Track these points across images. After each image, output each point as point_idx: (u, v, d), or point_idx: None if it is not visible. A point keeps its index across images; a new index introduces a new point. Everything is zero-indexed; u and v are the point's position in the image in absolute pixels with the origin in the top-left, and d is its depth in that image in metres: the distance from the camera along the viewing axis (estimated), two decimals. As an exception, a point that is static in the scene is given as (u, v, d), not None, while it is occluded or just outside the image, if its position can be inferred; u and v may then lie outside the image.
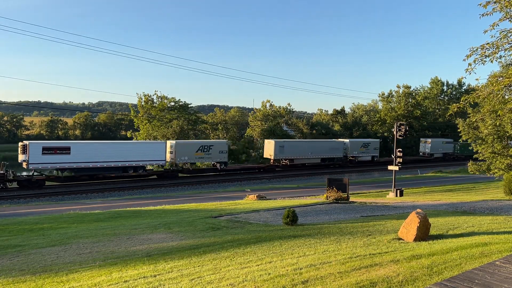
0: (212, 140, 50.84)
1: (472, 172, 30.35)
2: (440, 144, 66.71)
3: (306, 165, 51.81)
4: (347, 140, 56.20)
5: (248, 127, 66.81)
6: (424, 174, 48.85)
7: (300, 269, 6.58)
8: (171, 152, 41.43)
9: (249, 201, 23.62)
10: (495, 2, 9.77)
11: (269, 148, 48.83)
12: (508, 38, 9.64)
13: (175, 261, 8.10)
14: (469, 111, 28.63)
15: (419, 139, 69.92)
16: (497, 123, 25.27)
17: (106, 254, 9.50)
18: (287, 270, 6.56)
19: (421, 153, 66.86)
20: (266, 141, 50.79)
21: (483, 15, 10.01)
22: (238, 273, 6.68)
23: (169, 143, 42.35)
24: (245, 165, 53.37)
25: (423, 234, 9.21)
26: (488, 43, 9.70)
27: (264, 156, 50.52)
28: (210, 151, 43.32)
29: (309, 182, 41.88)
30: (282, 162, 49.91)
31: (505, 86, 9.97)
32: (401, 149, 29.57)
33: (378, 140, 61.44)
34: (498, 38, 9.66)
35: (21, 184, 33.73)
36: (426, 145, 65.85)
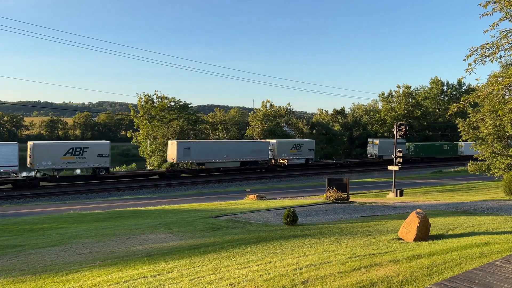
0: (88, 141, 41.20)
1: (472, 172, 30.40)
2: (390, 145, 57.75)
3: (221, 170, 45.59)
4: (274, 141, 49.87)
5: (248, 127, 66.80)
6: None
7: (300, 269, 6.58)
8: (30, 156, 34.50)
9: (249, 201, 23.62)
10: (495, 2, 9.77)
11: (171, 151, 42.03)
12: (508, 38, 9.64)
13: (175, 261, 8.09)
14: (469, 111, 28.72)
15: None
16: (497, 123, 25.32)
17: (106, 254, 9.50)
18: (287, 270, 6.56)
19: (368, 155, 59.86)
20: (169, 142, 44.02)
21: (483, 15, 10.01)
22: (238, 273, 6.67)
23: (28, 144, 35.37)
24: (139, 170, 46.32)
25: (423, 234, 9.20)
26: (488, 43, 9.69)
27: (168, 160, 43.86)
28: (85, 155, 36.06)
29: (309, 182, 41.87)
30: (193, 166, 43.73)
31: (505, 86, 9.96)
32: (401, 149, 29.58)
33: (313, 140, 54.94)
34: (498, 38, 9.66)
35: None
36: (374, 146, 58.70)
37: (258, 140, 52.32)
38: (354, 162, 57.97)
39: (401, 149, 29.22)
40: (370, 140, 60.78)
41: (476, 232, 10.31)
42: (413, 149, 61.73)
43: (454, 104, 11.06)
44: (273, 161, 49.89)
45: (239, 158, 45.60)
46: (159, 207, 22.21)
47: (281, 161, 50.61)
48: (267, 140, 50.86)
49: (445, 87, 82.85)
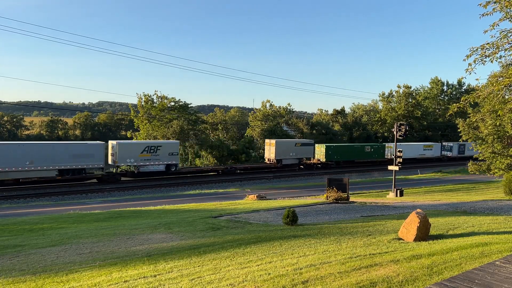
0: None
1: (472, 172, 30.40)
2: (291, 147, 49.25)
3: (21, 181, 33.82)
4: (114, 142, 38.24)
5: (248, 127, 66.83)
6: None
7: (300, 269, 6.58)
8: None
9: (249, 201, 23.63)
10: (495, 2, 9.78)
11: None
12: (508, 38, 9.64)
13: (175, 261, 8.09)
14: (469, 111, 28.72)
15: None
16: (497, 123, 25.31)
17: (106, 254, 9.50)
18: (287, 270, 6.56)
19: (266, 159, 49.88)
20: None
21: (483, 15, 10.02)
22: (238, 273, 6.67)
23: None
24: None
25: (423, 234, 9.20)
26: (488, 43, 9.70)
27: None
28: None
29: (309, 182, 41.90)
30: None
31: (505, 86, 9.96)
32: (401, 149, 29.59)
33: (177, 142, 43.74)
34: (498, 38, 9.66)
35: None
36: (270, 148, 48.19)
37: (86, 142, 41.38)
38: (241, 168, 47.75)
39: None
40: (267, 141, 50.31)
41: (476, 232, 10.31)
42: (324, 152, 50.95)
43: (454, 104, 11.05)
44: (114, 169, 39.52)
45: (53, 165, 34.26)
46: (159, 207, 22.21)
47: (133, 169, 39.26)
48: (104, 142, 39.43)
49: (445, 87, 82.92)
